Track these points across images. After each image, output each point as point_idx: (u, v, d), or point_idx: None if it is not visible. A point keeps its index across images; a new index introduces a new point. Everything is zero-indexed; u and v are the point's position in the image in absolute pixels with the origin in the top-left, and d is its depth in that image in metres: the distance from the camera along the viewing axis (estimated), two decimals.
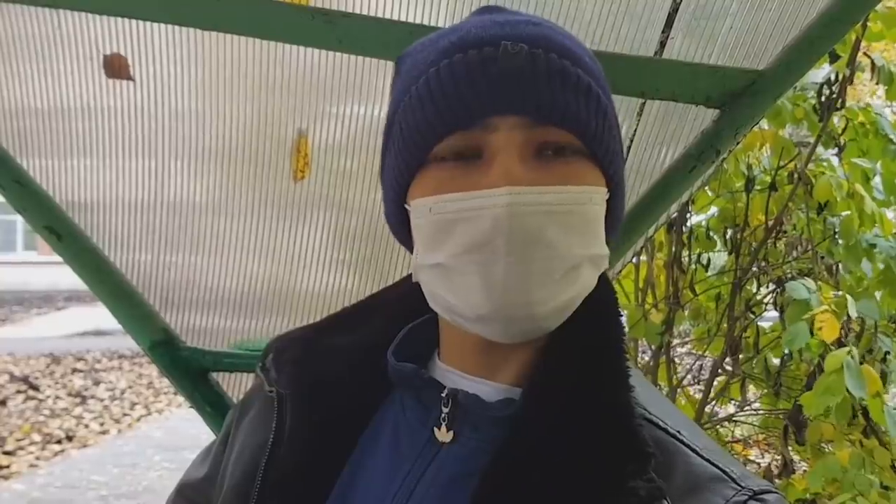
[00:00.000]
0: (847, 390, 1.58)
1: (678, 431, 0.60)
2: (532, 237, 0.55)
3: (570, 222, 0.57)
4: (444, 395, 0.63)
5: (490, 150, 0.58)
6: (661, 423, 0.60)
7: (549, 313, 0.58)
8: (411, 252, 0.66)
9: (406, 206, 0.63)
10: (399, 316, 0.72)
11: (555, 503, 0.55)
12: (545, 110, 0.57)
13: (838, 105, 2.05)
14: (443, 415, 0.62)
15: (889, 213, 2.24)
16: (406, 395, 0.67)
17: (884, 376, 1.86)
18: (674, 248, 2.33)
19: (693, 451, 0.59)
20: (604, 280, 0.65)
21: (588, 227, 0.59)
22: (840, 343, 1.75)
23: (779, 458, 2.33)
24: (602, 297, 0.64)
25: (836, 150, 2.23)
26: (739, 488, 0.56)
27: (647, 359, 2.54)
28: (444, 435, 0.62)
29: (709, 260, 2.43)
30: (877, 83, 2.21)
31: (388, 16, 1.02)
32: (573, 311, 0.61)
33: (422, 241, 0.62)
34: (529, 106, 0.57)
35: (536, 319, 0.58)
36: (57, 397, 6.78)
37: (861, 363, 1.65)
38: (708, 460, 0.58)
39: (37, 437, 5.67)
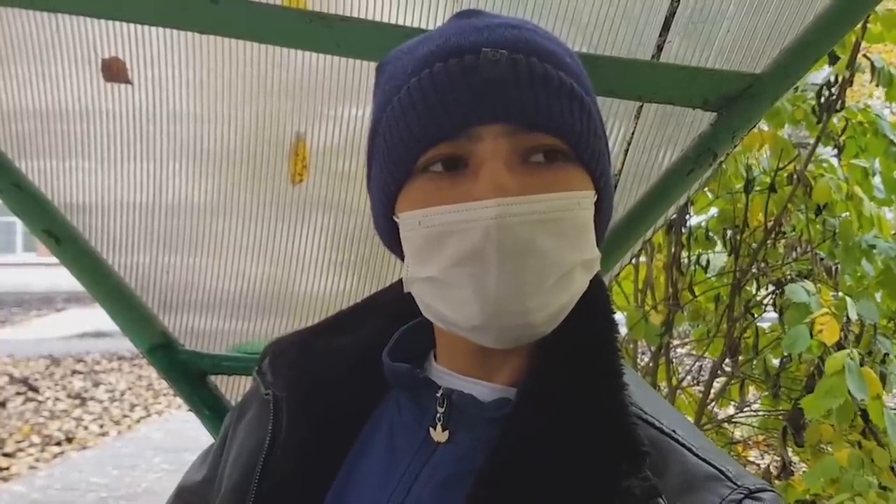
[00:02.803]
0: (849, 392, 1.58)
1: (673, 430, 0.60)
2: (523, 247, 0.55)
3: (561, 229, 0.57)
4: (438, 395, 0.63)
5: (476, 160, 0.57)
6: (656, 422, 0.60)
7: (544, 320, 0.58)
8: (401, 259, 0.66)
9: (395, 219, 0.63)
10: (395, 317, 0.72)
11: (551, 501, 0.55)
12: (529, 117, 0.57)
13: (838, 107, 2.05)
14: (438, 415, 0.62)
15: (888, 214, 2.24)
16: (402, 395, 0.67)
17: (883, 378, 1.86)
18: (673, 250, 2.33)
19: (688, 450, 0.59)
20: (596, 279, 0.65)
21: (578, 232, 0.59)
22: (839, 345, 1.74)
23: (778, 459, 2.33)
24: (595, 297, 0.64)
25: (835, 152, 2.23)
26: (735, 487, 0.56)
27: (646, 360, 2.54)
28: (439, 435, 0.62)
29: (708, 261, 2.43)
30: (877, 85, 2.21)
31: (385, 19, 1.02)
32: (567, 313, 0.61)
33: (412, 254, 0.62)
34: (513, 113, 0.57)
35: (532, 326, 0.58)
36: (56, 399, 6.77)
37: (860, 365, 1.65)
38: (703, 459, 0.58)
39: (36, 439, 5.66)
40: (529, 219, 0.56)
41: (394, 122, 0.60)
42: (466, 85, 0.57)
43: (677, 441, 0.59)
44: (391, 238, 0.65)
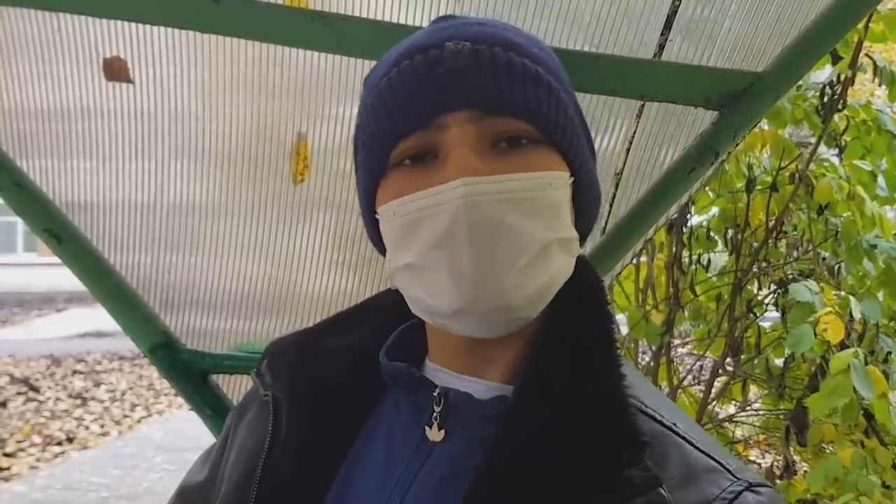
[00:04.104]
0: (854, 391, 1.58)
1: (673, 424, 0.60)
2: (492, 225, 0.56)
3: (531, 208, 0.58)
4: (435, 393, 0.63)
5: (444, 148, 0.59)
6: (656, 415, 0.61)
7: (523, 302, 0.58)
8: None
9: (376, 216, 0.64)
10: (394, 318, 0.73)
11: (551, 496, 0.55)
12: (492, 101, 0.58)
13: (840, 106, 2.05)
14: (434, 414, 0.63)
15: (889, 214, 2.23)
16: (400, 395, 0.67)
17: (886, 377, 1.86)
18: (674, 249, 2.33)
19: (689, 443, 0.59)
20: (587, 267, 0.66)
21: (550, 211, 0.60)
22: (842, 344, 1.74)
23: (780, 458, 2.33)
24: (587, 285, 0.64)
25: (836, 151, 2.23)
26: (735, 479, 0.56)
27: (647, 359, 2.54)
28: (435, 434, 0.63)
29: (709, 260, 2.42)
30: (879, 84, 2.21)
31: (386, 18, 1.02)
32: (551, 298, 0.61)
33: (391, 245, 0.63)
34: (477, 99, 0.58)
35: (512, 309, 0.58)
36: (57, 399, 6.78)
37: (864, 364, 1.65)
38: (704, 452, 0.59)
39: (37, 439, 5.66)
40: (498, 198, 0.57)
41: (367, 121, 0.62)
42: (430, 77, 0.58)
43: (677, 434, 0.60)
44: (378, 238, 0.66)
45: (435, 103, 0.58)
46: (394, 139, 0.60)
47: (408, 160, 0.60)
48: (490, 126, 0.59)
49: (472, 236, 0.56)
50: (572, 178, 0.62)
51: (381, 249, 0.68)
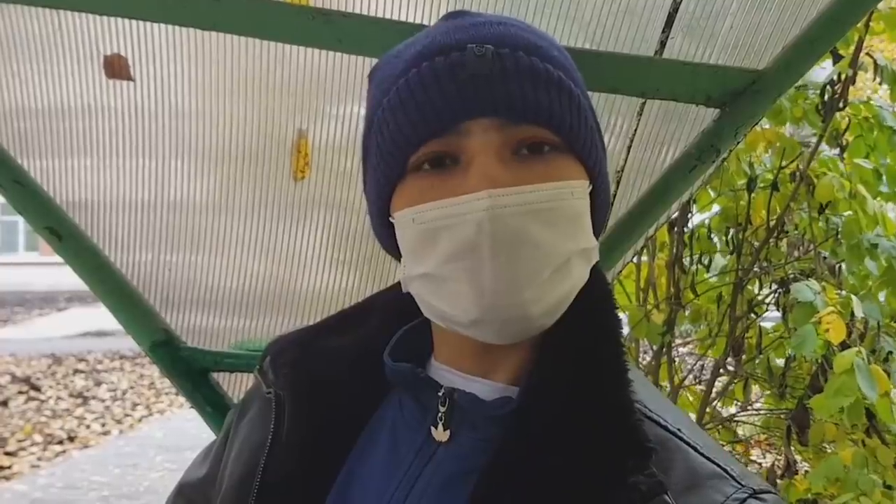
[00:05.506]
0: (859, 390, 1.57)
1: (678, 429, 0.60)
2: (516, 238, 0.55)
3: (554, 219, 0.57)
4: (440, 394, 0.63)
5: (467, 155, 0.58)
6: (660, 420, 0.60)
7: (542, 312, 0.58)
8: (399, 261, 0.66)
9: (391, 219, 0.63)
10: (396, 316, 0.72)
11: (556, 500, 0.55)
12: (517, 109, 0.57)
13: (840, 105, 2.04)
14: (440, 414, 0.62)
15: (890, 213, 2.23)
16: (404, 395, 0.67)
17: (886, 376, 1.85)
18: (675, 249, 2.33)
19: (693, 448, 0.59)
20: (597, 273, 0.65)
21: (572, 221, 0.59)
22: (843, 344, 1.74)
23: (781, 458, 2.33)
24: (596, 291, 0.64)
25: (837, 151, 2.22)
26: (740, 486, 0.56)
27: (648, 359, 2.53)
28: (440, 434, 0.62)
29: (710, 260, 2.42)
30: (880, 83, 2.20)
31: (388, 16, 1.02)
32: (567, 305, 0.60)
33: (408, 253, 0.62)
34: (501, 107, 0.57)
35: (531, 319, 0.58)
36: (58, 398, 6.79)
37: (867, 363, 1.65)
38: (708, 458, 0.58)
39: (38, 438, 5.67)
40: (521, 209, 0.56)
41: (384, 122, 0.60)
42: (453, 81, 0.57)
43: (682, 439, 0.59)
44: (389, 239, 0.65)
45: (459, 109, 0.57)
46: (414, 144, 0.58)
47: (427, 164, 0.59)
48: (513, 134, 0.58)
49: (496, 250, 0.55)
50: (590, 186, 0.62)
51: (389, 250, 0.67)
